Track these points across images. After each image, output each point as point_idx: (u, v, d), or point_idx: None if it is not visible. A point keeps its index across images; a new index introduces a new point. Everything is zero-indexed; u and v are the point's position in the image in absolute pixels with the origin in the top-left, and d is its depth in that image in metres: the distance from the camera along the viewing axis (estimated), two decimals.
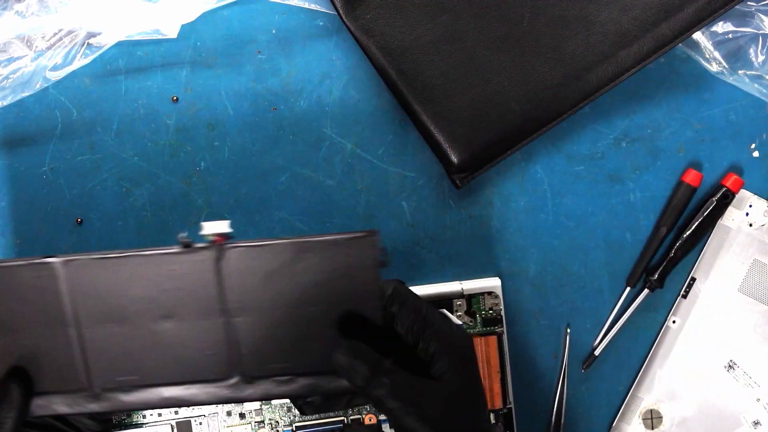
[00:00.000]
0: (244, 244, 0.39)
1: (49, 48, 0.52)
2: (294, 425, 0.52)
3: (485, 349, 0.53)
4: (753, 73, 0.54)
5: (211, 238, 0.39)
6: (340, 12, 0.51)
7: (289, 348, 0.41)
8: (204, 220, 0.54)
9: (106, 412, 0.41)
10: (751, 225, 0.54)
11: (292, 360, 0.41)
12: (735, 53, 0.54)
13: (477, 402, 0.40)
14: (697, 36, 0.54)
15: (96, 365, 0.41)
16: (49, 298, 0.40)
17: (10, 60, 0.52)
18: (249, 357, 0.41)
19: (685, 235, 0.54)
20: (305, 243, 0.39)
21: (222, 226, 0.39)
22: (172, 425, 0.52)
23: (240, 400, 0.42)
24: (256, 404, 0.52)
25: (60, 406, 0.41)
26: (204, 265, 0.39)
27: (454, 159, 0.51)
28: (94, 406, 0.41)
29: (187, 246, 0.39)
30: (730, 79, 0.54)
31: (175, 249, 0.39)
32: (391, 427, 0.38)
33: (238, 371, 0.41)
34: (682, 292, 0.55)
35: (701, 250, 0.55)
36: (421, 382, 0.38)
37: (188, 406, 0.42)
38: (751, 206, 0.54)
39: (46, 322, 0.40)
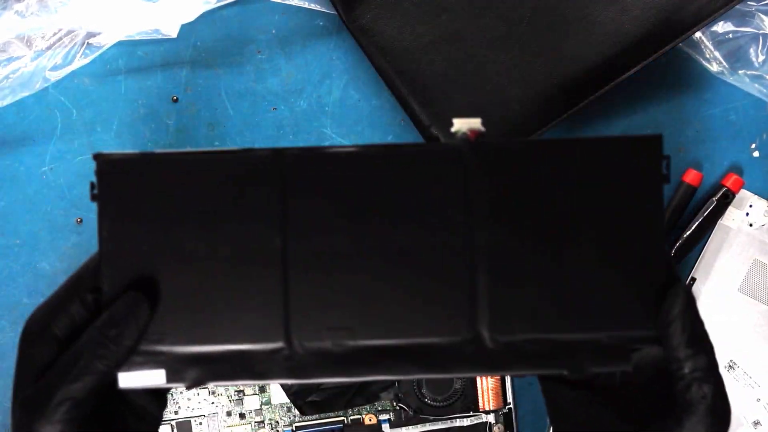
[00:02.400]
0: (502, 142, 0.32)
1: (48, 48, 0.51)
2: (294, 425, 0.52)
3: None
4: (753, 72, 0.54)
5: (464, 133, 0.33)
6: (340, 12, 0.51)
7: (546, 289, 0.32)
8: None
9: (300, 383, 0.32)
10: (751, 225, 0.54)
11: (551, 309, 0.32)
12: (735, 53, 0.54)
13: None
14: (698, 36, 0.54)
15: (298, 311, 0.32)
16: (252, 206, 0.31)
17: (10, 60, 0.52)
18: (503, 308, 0.32)
19: (685, 235, 0.54)
20: (574, 143, 0.32)
21: (475, 123, 0.33)
22: (172, 425, 0.52)
23: (482, 373, 0.33)
24: (256, 404, 0.52)
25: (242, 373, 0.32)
26: (452, 165, 0.32)
27: None
28: (289, 376, 0.32)
29: (434, 138, 0.34)
30: (731, 79, 0.54)
31: (420, 143, 0.33)
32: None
33: (480, 326, 0.32)
34: None
35: (701, 250, 0.55)
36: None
37: (412, 377, 0.33)
38: (751, 206, 0.54)
39: (243, 242, 0.31)
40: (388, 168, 0.32)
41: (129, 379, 0.32)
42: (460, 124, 0.33)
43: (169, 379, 0.32)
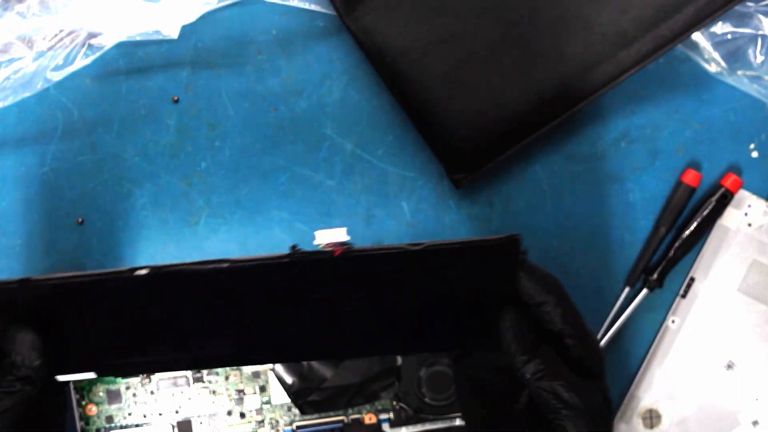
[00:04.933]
0: (363, 253, 0.35)
1: (49, 48, 0.52)
2: (294, 424, 0.53)
3: None
4: (752, 73, 0.54)
5: (328, 249, 0.34)
6: (340, 12, 0.52)
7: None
8: (204, 221, 0.54)
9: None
10: (750, 225, 0.54)
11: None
12: (734, 54, 0.54)
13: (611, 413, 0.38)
14: (697, 36, 0.54)
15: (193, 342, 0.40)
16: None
17: (11, 60, 0.52)
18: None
19: (684, 235, 0.54)
20: (434, 250, 0.35)
21: (339, 234, 0.34)
22: (172, 425, 0.52)
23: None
24: (257, 403, 0.53)
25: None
26: (318, 278, 0.36)
27: (454, 159, 0.52)
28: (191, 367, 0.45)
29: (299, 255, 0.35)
30: (729, 80, 0.55)
31: (285, 258, 0.35)
32: (537, 401, 0.36)
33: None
34: (681, 292, 0.55)
35: (700, 250, 0.55)
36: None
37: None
38: (750, 206, 0.54)
39: None
40: (255, 282, 0.36)
41: (66, 377, 0.39)
42: (322, 238, 0.35)
43: (100, 375, 0.40)
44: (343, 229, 0.34)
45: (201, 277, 0.35)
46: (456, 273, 0.36)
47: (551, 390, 0.35)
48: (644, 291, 0.55)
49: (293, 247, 0.34)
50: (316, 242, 0.35)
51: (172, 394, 0.52)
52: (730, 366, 0.54)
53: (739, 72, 0.54)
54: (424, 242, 0.35)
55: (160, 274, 0.35)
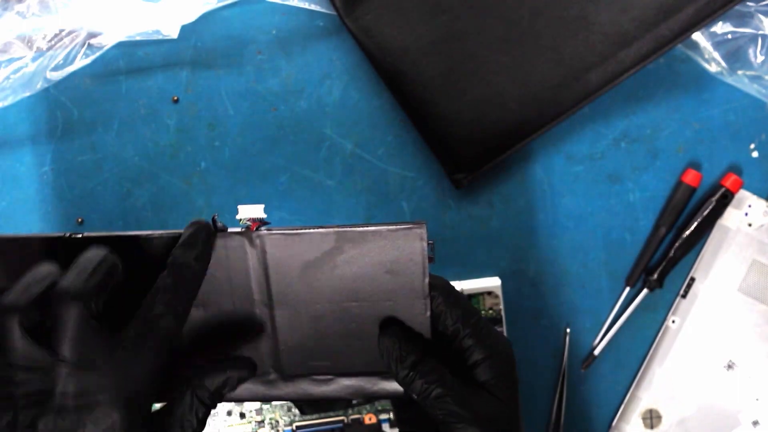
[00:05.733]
0: (280, 232, 0.37)
1: (49, 48, 0.52)
2: (294, 425, 0.53)
3: None
4: (752, 73, 0.54)
5: (246, 223, 0.37)
6: (340, 12, 0.52)
7: (330, 345, 0.39)
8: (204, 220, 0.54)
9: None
10: (750, 225, 0.54)
11: (333, 358, 0.39)
12: (734, 54, 0.54)
13: (516, 415, 0.38)
14: (697, 36, 0.54)
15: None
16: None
17: (11, 60, 0.52)
18: (287, 353, 0.39)
19: (684, 235, 0.54)
20: (346, 233, 0.36)
21: (257, 211, 0.37)
22: None
23: (276, 398, 0.40)
24: (257, 403, 0.52)
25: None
26: (237, 252, 0.37)
27: (454, 159, 0.52)
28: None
29: (220, 230, 0.37)
30: (730, 80, 0.55)
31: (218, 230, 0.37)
32: (437, 419, 0.37)
33: (275, 367, 0.39)
34: (681, 292, 0.55)
35: (700, 250, 0.55)
36: (465, 384, 0.37)
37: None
38: (750, 206, 0.54)
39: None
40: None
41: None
42: (244, 213, 0.37)
43: None
44: (261, 206, 0.37)
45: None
46: (366, 256, 0.37)
47: (440, 408, 0.36)
48: (644, 291, 0.55)
49: (216, 220, 0.37)
50: (237, 216, 0.37)
51: None
52: (730, 366, 0.54)
53: (739, 72, 0.54)
54: (336, 225, 0.36)
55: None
